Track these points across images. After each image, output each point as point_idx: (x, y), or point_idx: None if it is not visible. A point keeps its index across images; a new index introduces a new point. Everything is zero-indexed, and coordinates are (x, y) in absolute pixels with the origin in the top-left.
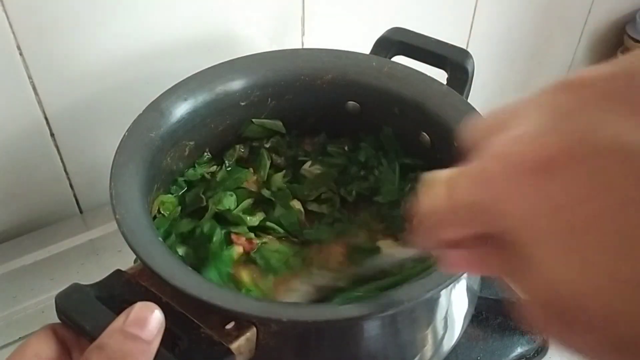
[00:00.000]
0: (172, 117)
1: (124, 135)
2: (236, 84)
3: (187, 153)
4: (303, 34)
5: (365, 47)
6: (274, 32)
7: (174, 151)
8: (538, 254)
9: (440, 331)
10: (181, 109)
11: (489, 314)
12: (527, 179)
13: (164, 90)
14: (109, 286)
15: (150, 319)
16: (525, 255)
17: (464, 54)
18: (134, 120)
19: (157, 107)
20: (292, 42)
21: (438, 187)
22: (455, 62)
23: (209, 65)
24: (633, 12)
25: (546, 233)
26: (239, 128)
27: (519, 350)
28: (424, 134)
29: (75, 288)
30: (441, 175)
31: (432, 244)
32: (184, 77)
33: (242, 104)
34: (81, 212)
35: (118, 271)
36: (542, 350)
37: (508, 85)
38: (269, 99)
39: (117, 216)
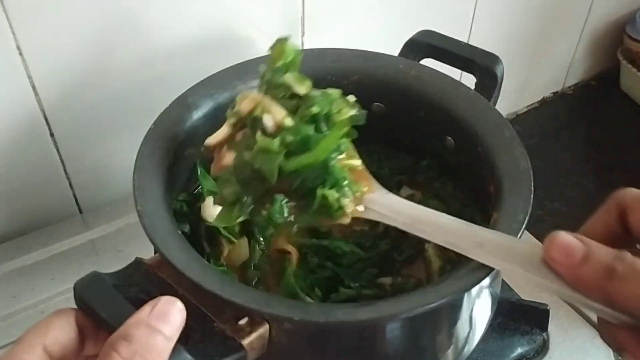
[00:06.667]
0: (198, 112)
1: (150, 127)
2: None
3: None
4: (303, 34)
5: (364, 46)
6: (273, 32)
7: (196, 146)
8: None
9: (462, 336)
10: (207, 105)
11: None
12: None
13: (162, 92)
14: (128, 275)
15: (173, 315)
16: None
17: (494, 58)
18: (161, 113)
19: (184, 101)
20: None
21: None
22: (484, 67)
23: (208, 68)
24: (633, 12)
25: None
26: None
27: (519, 350)
28: (449, 138)
29: (95, 276)
30: None
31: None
32: (184, 81)
33: None
34: (81, 212)
35: (138, 261)
36: (542, 350)
37: (508, 85)
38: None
39: (138, 207)
